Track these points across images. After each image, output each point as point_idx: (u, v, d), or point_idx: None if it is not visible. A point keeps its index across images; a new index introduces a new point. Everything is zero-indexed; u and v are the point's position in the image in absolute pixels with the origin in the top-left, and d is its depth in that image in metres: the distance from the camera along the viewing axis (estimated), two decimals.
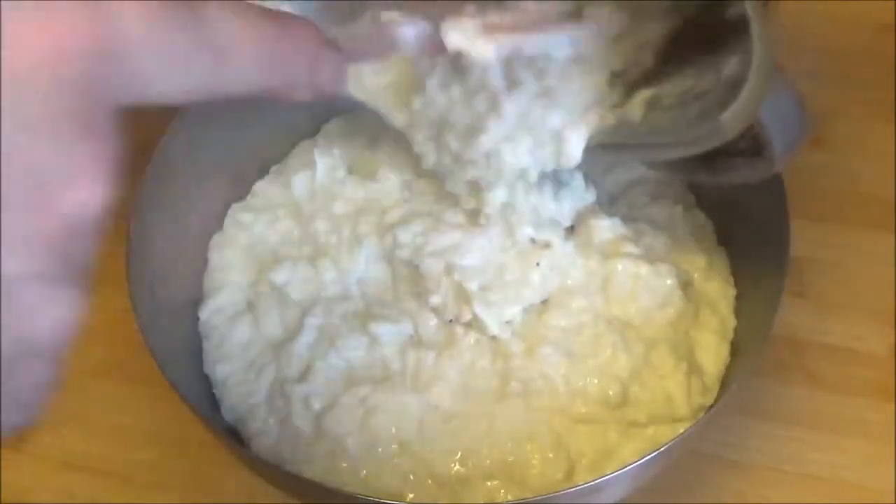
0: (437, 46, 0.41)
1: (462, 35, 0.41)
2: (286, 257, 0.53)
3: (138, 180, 0.49)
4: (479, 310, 0.49)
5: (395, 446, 0.47)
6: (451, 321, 0.50)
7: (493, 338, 0.49)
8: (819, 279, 0.57)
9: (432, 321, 0.50)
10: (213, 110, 0.52)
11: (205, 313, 0.52)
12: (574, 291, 0.50)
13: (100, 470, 0.53)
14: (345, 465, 0.46)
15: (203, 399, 0.49)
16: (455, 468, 0.46)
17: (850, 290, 0.57)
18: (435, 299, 0.50)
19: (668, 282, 0.50)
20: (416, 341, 0.50)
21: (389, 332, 0.49)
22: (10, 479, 0.52)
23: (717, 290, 0.51)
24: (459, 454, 0.47)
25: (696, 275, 0.52)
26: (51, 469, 0.53)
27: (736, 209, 0.53)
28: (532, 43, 0.42)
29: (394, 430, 0.47)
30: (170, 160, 0.51)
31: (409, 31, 0.42)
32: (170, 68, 0.26)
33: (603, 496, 0.45)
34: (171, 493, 0.52)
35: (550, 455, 0.46)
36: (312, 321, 0.50)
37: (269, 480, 0.46)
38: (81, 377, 0.56)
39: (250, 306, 0.52)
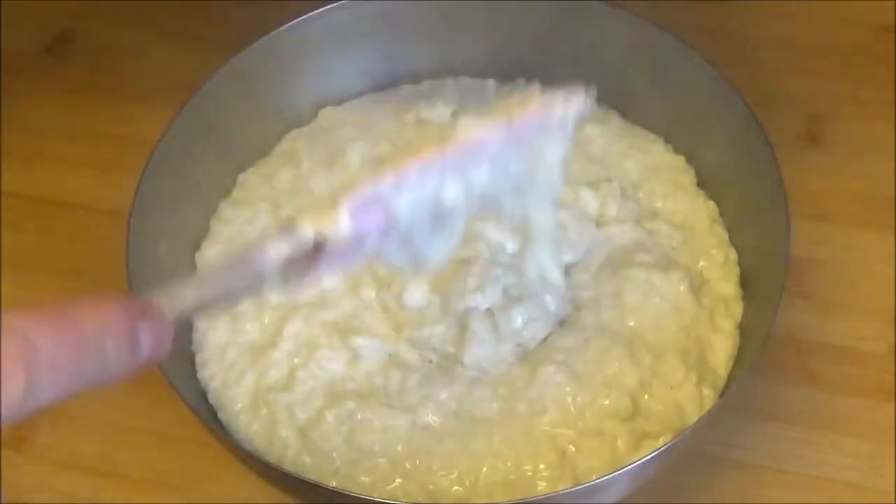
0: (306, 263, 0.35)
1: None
2: None
3: (138, 179, 0.49)
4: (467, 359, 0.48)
5: (383, 461, 0.46)
6: (430, 361, 0.49)
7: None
8: (819, 279, 0.57)
9: (412, 354, 0.49)
10: (215, 105, 0.53)
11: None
12: (582, 308, 0.50)
13: (100, 470, 0.53)
14: (334, 483, 0.45)
15: (202, 399, 0.49)
16: (453, 488, 0.46)
17: (851, 290, 0.57)
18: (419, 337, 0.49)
19: (682, 288, 0.50)
20: (397, 361, 0.49)
21: (370, 348, 0.49)
22: (10, 479, 0.52)
23: (732, 289, 0.51)
24: (456, 473, 0.46)
25: (713, 273, 0.52)
26: (51, 469, 0.53)
27: (736, 209, 0.53)
28: None
29: (378, 447, 0.46)
30: (169, 158, 0.51)
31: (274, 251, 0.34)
32: None
33: (603, 496, 0.45)
34: (171, 493, 0.52)
35: (556, 473, 0.45)
36: (291, 328, 0.50)
37: (269, 480, 0.46)
38: None
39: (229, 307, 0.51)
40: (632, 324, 0.49)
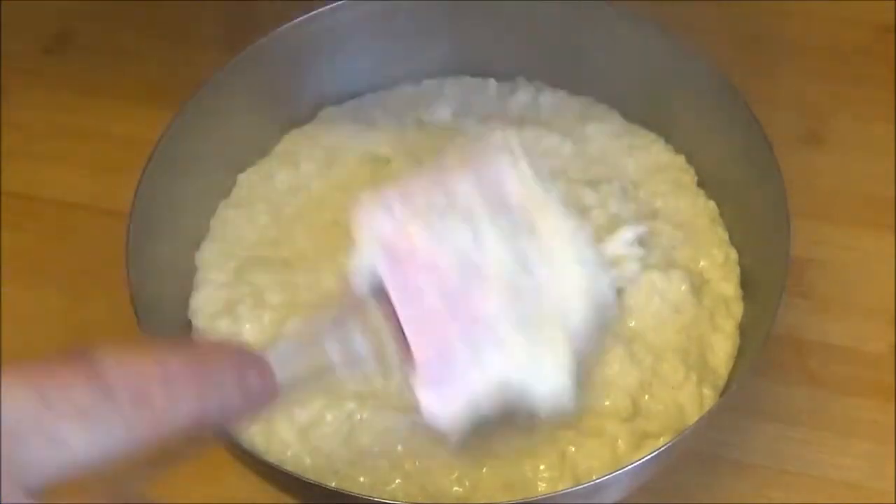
0: None
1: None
2: (264, 258, 0.52)
3: (138, 179, 0.49)
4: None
5: (383, 461, 0.46)
6: None
7: None
8: (819, 279, 0.57)
9: None
10: (215, 105, 0.53)
11: (188, 313, 0.51)
12: None
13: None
14: (333, 484, 0.45)
15: None
16: (454, 488, 0.46)
17: (851, 289, 0.57)
18: None
19: (682, 287, 0.50)
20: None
21: (369, 349, 0.48)
22: None
23: (732, 289, 0.51)
24: (457, 473, 0.46)
25: (713, 273, 0.51)
26: None
27: (736, 209, 0.53)
28: None
29: (378, 448, 0.46)
30: (169, 158, 0.51)
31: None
32: (75, 437, 0.24)
33: (603, 496, 0.44)
34: (172, 493, 0.52)
35: (556, 473, 0.45)
36: (290, 329, 0.49)
37: (269, 480, 0.46)
38: None
39: (229, 307, 0.51)
40: (632, 324, 0.49)
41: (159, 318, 0.48)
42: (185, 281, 0.53)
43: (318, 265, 0.52)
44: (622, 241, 0.49)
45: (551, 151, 0.55)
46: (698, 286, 0.50)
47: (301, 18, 0.55)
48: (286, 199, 0.55)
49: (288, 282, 0.51)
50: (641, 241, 0.51)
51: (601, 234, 0.50)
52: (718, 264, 0.52)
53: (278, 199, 0.55)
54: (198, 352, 0.28)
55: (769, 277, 0.48)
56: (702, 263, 0.52)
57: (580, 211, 0.52)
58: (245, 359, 0.29)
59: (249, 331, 0.50)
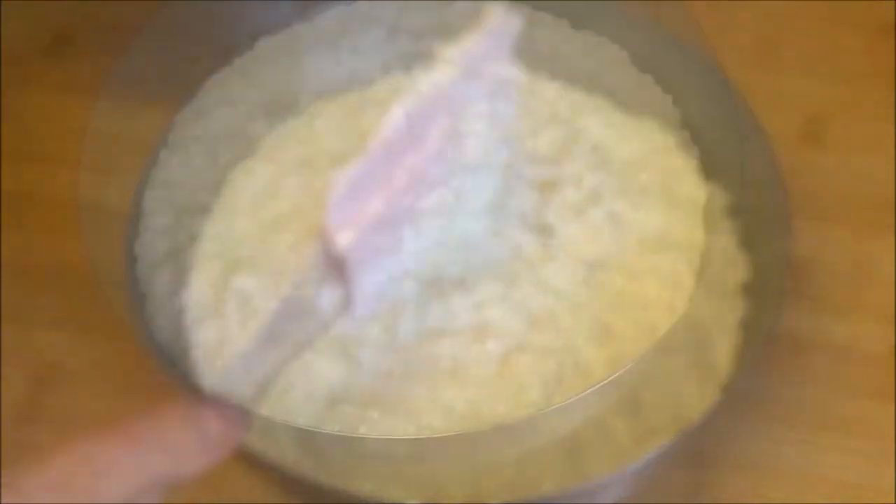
0: None
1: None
2: (245, 258, 0.51)
3: (138, 179, 0.49)
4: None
5: (387, 467, 0.46)
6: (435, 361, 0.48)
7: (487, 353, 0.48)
8: (819, 279, 0.57)
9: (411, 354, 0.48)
10: (214, 105, 0.53)
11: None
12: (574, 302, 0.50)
13: None
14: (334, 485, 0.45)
15: None
16: (458, 488, 0.46)
17: (851, 289, 0.57)
18: None
19: (686, 284, 0.49)
20: (403, 367, 0.48)
21: (370, 356, 0.48)
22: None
23: (734, 288, 0.51)
24: (461, 477, 0.46)
25: (716, 272, 0.51)
26: None
27: (735, 209, 0.53)
28: None
29: (381, 453, 0.46)
30: (169, 158, 0.51)
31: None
32: None
33: (603, 496, 0.45)
34: (172, 493, 0.52)
35: (560, 470, 0.45)
36: None
37: (270, 480, 0.46)
38: (82, 377, 0.56)
39: (214, 310, 0.50)
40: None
41: (161, 317, 0.48)
42: (182, 278, 0.52)
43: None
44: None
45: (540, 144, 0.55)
46: (702, 283, 0.50)
47: (302, 18, 0.55)
48: (264, 197, 0.54)
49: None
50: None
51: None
52: (721, 263, 0.51)
53: (257, 195, 0.54)
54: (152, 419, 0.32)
55: (769, 277, 0.48)
56: (704, 261, 0.51)
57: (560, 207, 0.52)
58: (205, 412, 0.33)
59: (238, 335, 0.49)
